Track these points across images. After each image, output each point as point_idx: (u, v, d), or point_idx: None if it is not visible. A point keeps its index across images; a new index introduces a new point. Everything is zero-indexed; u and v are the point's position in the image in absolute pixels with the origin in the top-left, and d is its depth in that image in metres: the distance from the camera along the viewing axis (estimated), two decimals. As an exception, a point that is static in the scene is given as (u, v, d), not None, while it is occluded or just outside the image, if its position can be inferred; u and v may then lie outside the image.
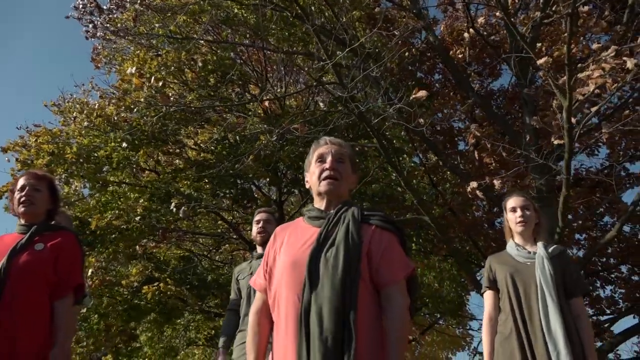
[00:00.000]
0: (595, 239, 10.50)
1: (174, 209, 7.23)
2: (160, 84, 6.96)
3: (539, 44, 10.69)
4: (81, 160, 7.58)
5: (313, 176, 1.96)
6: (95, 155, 7.55)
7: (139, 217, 7.44)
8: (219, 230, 10.17)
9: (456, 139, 11.02)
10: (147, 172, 9.23)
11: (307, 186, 2.00)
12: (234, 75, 8.91)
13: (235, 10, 9.01)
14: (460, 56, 10.86)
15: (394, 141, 10.65)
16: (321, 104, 8.00)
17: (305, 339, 1.61)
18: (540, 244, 2.79)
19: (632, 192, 8.30)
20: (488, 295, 2.87)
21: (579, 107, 6.93)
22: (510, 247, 2.89)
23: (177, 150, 8.19)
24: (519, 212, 2.87)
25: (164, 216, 7.87)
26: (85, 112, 7.92)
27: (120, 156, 7.71)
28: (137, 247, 7.52)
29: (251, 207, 8.27)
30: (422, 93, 5.42)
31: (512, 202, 2.93)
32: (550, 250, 2.76)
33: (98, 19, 9.09)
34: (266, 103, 8.12)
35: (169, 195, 8.02)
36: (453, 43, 11.16)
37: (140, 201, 8.46)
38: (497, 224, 12.14)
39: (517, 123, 10.33)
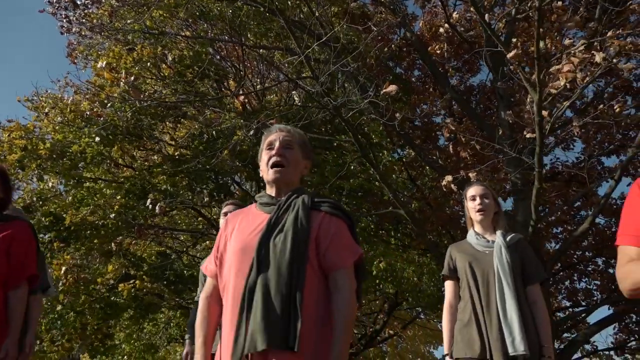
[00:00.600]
0: (571, 232, 10.66)
1: (150, 206, 7.18)
2: (132, 78, 6.89)
3: (514, 39, 10.81)
4: (54, 156, 7.49)
5: (263, 164, 1.98)
6: (69, 151, 7.45)
7: (113, 214, 7.36)
8: (200, 227, 10.13)
9: (435, 134, 11.09)
10: (123, 167, 9.15)
11: (261, 175, 2.01)
12: (211, 70, 8.87)
13: (211, 5, 8.97)
14: (438, 52, 10.91)
15: (373, 136, 10.71)
16: (296, 98, 7.99)
17: (246, 318, 1.65)
18: (499, 233, 2.83)
19: (607, 186, 8.43)
20: (448, 283, 2.90)
21: (552, 102, 7.04)
22: (470, 236, 2.93)
23: (153, 146, 8.13)
24: (478, 201, 2.90)
25: (141, 212, 7.81)
26: (58, 107, 7.82)
27: (94, 152, 7.63)
28: (112, 244, 7.46)
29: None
30: (392, 87, 5.45)
31: (471, 190, 2.96)
32: (508, 238, 2.80)
33: (73, 14, 8.97)
34: (241, 98, 8.08)
35: (145, 191, 7.96)
36: (432, 39, 11.20)
37: (118, 197, 8.40)
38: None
39: (494, 117, 10.43)
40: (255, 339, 1.60)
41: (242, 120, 8.04)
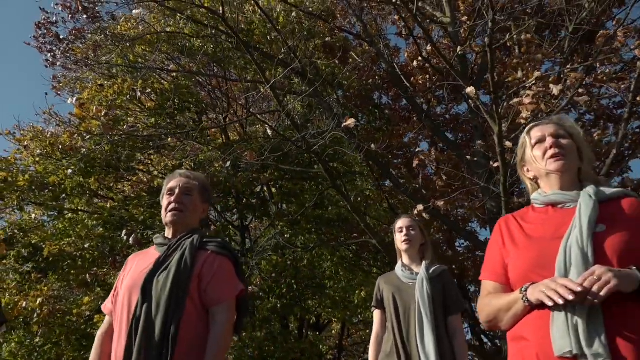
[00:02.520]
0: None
1: (125, 237, 7.27)
2: (104, 113, 7.07)
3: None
4: (33, 187, 7.62)
5: (163, 208, 2.12)
6: (46, 183, 7.59)
7: (87, 245, 7.45)
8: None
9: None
10: (104, 199, 9.27)
11: (163, 216, 2.14)
12: (192, 103, 9.07)
13: (193, 40, 9.21)
14: (421, 82, 11.13)
15: (355, 165, 10.85)
16: (269, 131, 8.16)
17: (133, 350, 1.78)
18: (423, 264, 2.92)
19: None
20: (376, 314, 2.99)
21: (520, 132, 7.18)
22: (398, 267, 3.02)
23: (131, 178, 8.27)
24: (404, 232, 3.00)
25: (118, 243, 7.90)
26: (37, 139, 7.99)
27: (73, 183, 7.76)
28: (87, 275, 7.52)
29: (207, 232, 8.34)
30: (351, 121, 5.61)
31: (399, 223, 3.07)
32: (431, 270, 2.88)
33: (57, 48, 9.22)
34: (212, 130, 8.25)
35: (123, 223, 8.06)
36: (415, 70, 11.43)
37: (100, 229, 8.49)
38: (458, 245, 12.34)
39: (472, 147, 10.58)
40: None
41: (220, 153, 8.20)
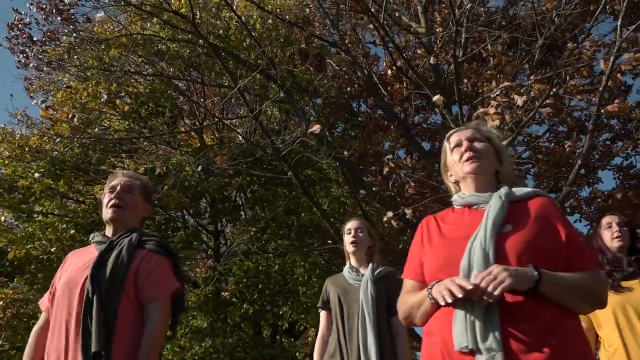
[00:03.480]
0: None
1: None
2: (71, 116, 7.04)
3: (466, 80, 11.21)
4: (1, 190, 7.53)
5: (103, 205, 2.13)
6: (16, 185, 7.52)
7: (54, 249, 7.39)
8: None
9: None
10: (77, 202, 9.19)
11: (103, 213, 2.15)
12: (166, 107, 9.06)
13: (169, 44, 9.22)
14: (398, 91, 11.23)
15: (330, 172, 10.91)
16: (240, 137, 8.18)
17: (70, 344, 1.83)
18: (369, 266, 2.96)
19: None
20: (322, 314, 3.03)
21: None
22: (345, 269, 3.06)
23: (101, 180, 8.22)
24: (352, 234, 3.05)
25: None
26: (7, 141, 7.91)
27: (42, 186, 7.69)
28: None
29: (173, 236, 8.34)
30: (316, 127, 5.66)
31: (348, 224, 3.11)
32: (376, 272, 2.93)
33: (30, 50, 9.15)
34: (188, 134, 8.25)
35: (94, 225, 8.00)
36: (388, 79, 11.54)
37: (71, 231, 8.41)
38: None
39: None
40: None
41: (191, 157, 8.19)
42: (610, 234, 2.79)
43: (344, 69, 11.17)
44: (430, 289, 1.48)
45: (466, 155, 1.67)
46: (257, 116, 6.40)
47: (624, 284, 2.64)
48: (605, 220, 2.88)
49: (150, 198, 2.26)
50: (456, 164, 1.72)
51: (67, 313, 1.88)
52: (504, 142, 7.02)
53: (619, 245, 2.76)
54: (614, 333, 2.56)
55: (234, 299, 9.57)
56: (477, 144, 1.70)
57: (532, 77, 6.29)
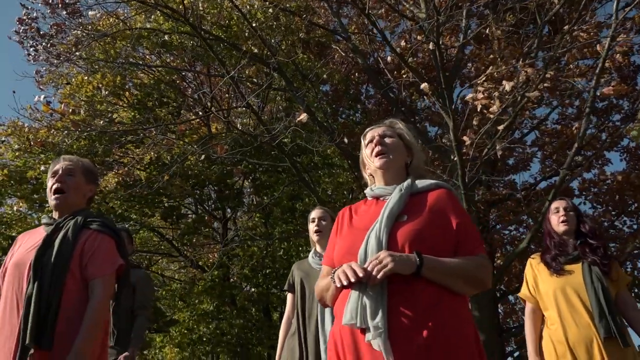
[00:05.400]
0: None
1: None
2: (71, 110, 7.29)
3: (469, 65, 11.19)
4: (12, 182, 7.86)
5: (47, 190, 2.26)
6: (24, 177, 7.83)
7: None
8: (162, 248, 10.45)
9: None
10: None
11: (48, 198, 2.27)
12: (170, 97, 9.28)
13: (172, 36, 9.41)
14: (404, 77, 11.26)
15: (334, 157, 11.06)
16: (239, 125, 8.37)
17: (23, 323, 1.95)
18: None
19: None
20: (288, 297, 3.22)
21: (481, 125, 7.33)
22: (310, 254, 3.23)
23: (107, 172, 8.50)
24: (315, 222, 3.21)
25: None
26: (16, 134, 8.22)
27: (50, 177, 7.98)
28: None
29: (180, 223, 8.61)
30: (303, 116, 5.80)
31: (312, 213, 3.28)
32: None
33: (40, 43, 9.40)
34: (196, 122, 8.44)
35: (102, 214, 8.31)
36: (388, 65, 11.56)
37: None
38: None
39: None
40: (26, 340, 1.92)
41: (195, 147, 8.42)
42: (557, 218, 2.92)
43: (351, 55, 11.23)
44: (334, 273, 1.65)
45: (376, 150, 1.83)
46: (249, 104, 6.55)
47: (567, 267, 2.77)
48: (554, 205, 3.00)
49: (94, 179, 2.33)
50: (369, 158, 1.87)
51: (18, 292, 2.01)
52: (501, 127, 7.07)
53: (564, 229, 2.89)
54: (554, 313, 2.71)
55: (242, 283, 9.86)
56: (388, 140, 1.85)
57: (522, 61, 6.30)
